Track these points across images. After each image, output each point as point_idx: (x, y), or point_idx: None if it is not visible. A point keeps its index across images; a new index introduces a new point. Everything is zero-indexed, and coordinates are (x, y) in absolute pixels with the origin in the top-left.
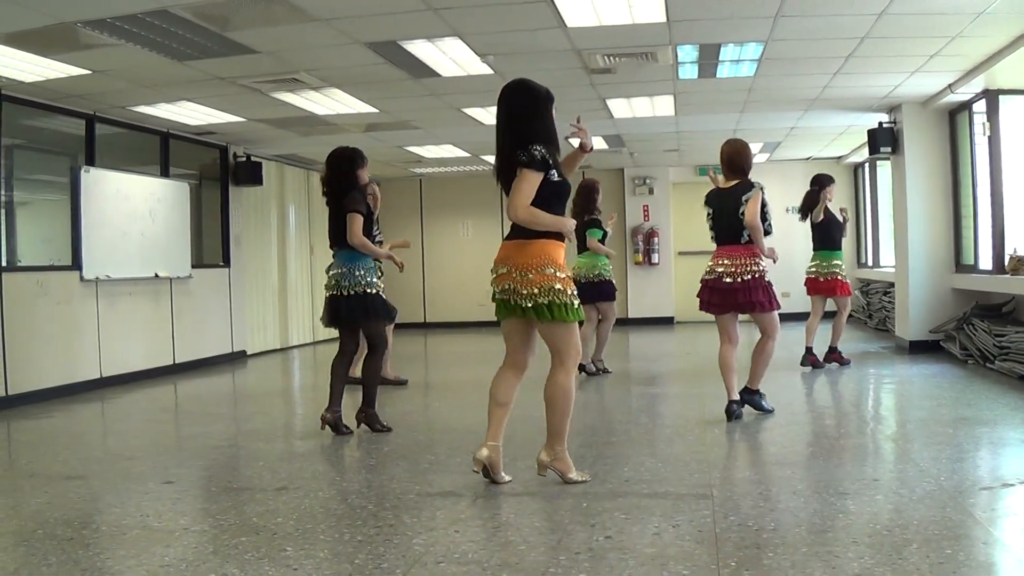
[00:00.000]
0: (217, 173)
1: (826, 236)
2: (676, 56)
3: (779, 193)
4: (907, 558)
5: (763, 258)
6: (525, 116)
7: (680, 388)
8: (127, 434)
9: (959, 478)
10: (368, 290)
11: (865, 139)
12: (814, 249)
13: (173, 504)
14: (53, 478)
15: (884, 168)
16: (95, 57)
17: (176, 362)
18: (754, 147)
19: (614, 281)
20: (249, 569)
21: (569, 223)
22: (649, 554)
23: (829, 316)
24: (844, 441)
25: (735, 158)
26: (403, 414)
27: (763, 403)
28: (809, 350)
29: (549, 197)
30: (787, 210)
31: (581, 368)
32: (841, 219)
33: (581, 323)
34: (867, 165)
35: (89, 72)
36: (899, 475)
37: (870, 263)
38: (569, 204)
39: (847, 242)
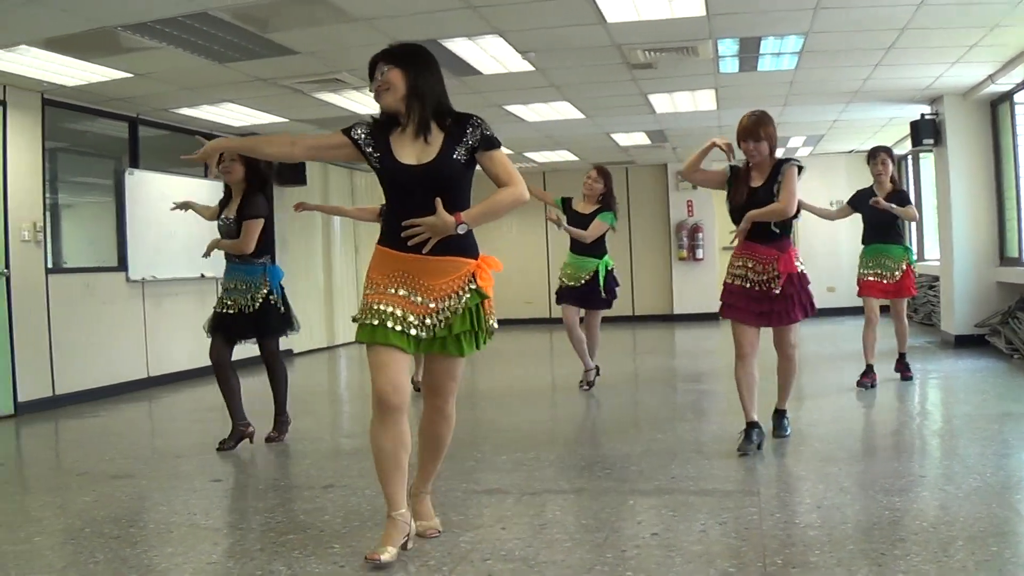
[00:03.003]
0: None
1: (878, 226)
2: (717, 50)
3: (822, 186)
4: (953, 555)
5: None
6: None
7: (726, 385)
8: (174, 433)
9: (1005, 474)
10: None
11: (908, 131)
12: (863, 243)
13: (220, 502)
14: (100, 477)
15: (928, 160)
16: (136, 60)
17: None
18: (797, 140)
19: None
20: (296, 566)
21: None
22: (695, 551)
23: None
24: (890, 437)
25: None
26: None
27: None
28: (871, 368)
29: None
30: (831, 203)
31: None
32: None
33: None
34: (910, 157)
35: (131, 75)
36: (945, 471)
37: (915, 257)
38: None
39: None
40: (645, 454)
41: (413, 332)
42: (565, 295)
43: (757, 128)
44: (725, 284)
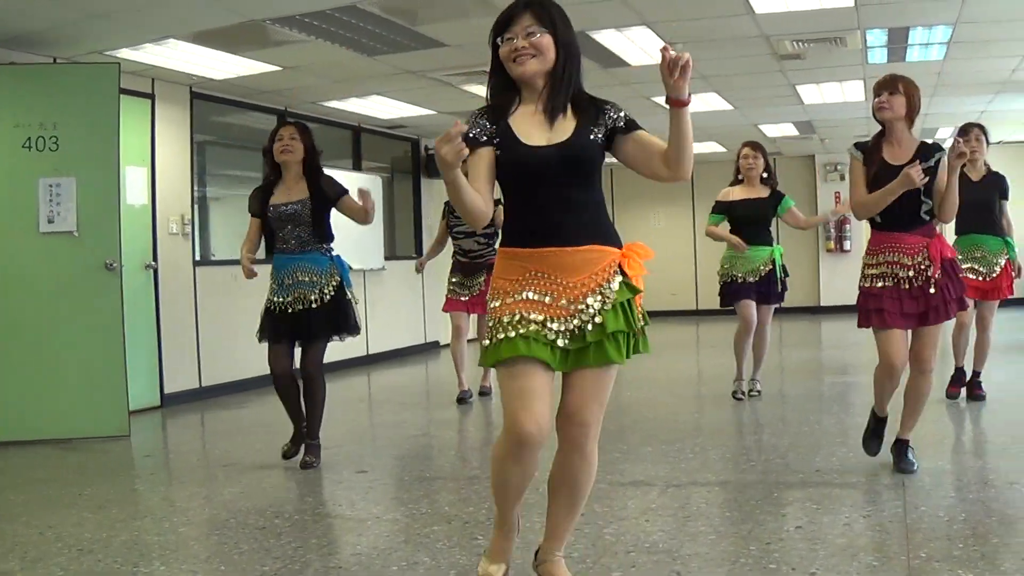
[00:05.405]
0: (409, 166)
1: (973, 210)
2: (865, 40)
3: None
4: None
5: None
6: None
7: (872, 377)
8: (321, 424)
9: None
10: None
11: None
12: (956, 232)
13: (365, 493)
14: (246, 468)
15: None
16: (285, 53)
17: (369, 353)
18: (945, 132)
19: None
20: (440, 558)
21: None
22: (839, 544)
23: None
24: None
25: None
26: None
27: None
28: (960, 372)
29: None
30: None
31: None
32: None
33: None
34: None
35: (279, 68)
36: None
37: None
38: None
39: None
40: (790, 446)
41: (559, 342)
42: (742, 290)
43: (895, 81)
44: (864, 289)
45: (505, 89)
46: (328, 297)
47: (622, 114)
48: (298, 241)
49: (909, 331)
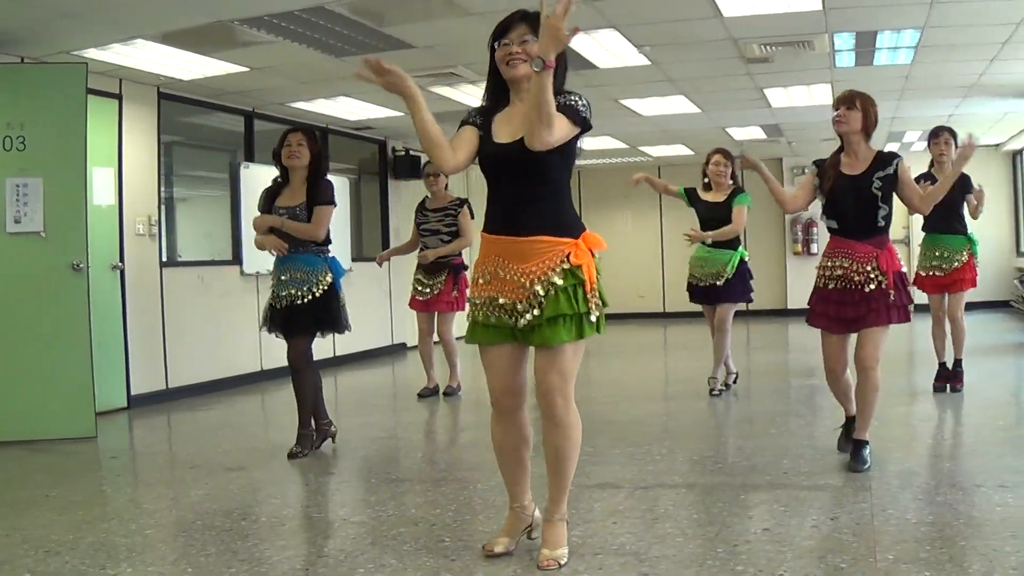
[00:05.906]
0: (376, 167)
1: (939, 211)
2: (833, 44)
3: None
4: None
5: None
6: None
7: None
8: (287, 426)
9: None
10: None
11: None
12: (923, 229)
13: (332, 495)
14: (213, 469)
15: None
16: (253, 54)
17: (336, 355)
18: (912, 135)
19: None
20: (407, 560)
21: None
22: (807, 547)
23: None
24: (1004, 433)
25: None
26: None
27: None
28: (944, 368)
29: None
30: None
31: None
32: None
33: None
34: None
35: (247, 69)
36: None
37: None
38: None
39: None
40: (757, 449)
41: (509, 320)
42: (701, 294)
43: (853, 97)
44: (815, 288)
45: (498, 92)
46: (316, 295)
47: (561, 101)
48: (295, 241)
49: (853, 337)
